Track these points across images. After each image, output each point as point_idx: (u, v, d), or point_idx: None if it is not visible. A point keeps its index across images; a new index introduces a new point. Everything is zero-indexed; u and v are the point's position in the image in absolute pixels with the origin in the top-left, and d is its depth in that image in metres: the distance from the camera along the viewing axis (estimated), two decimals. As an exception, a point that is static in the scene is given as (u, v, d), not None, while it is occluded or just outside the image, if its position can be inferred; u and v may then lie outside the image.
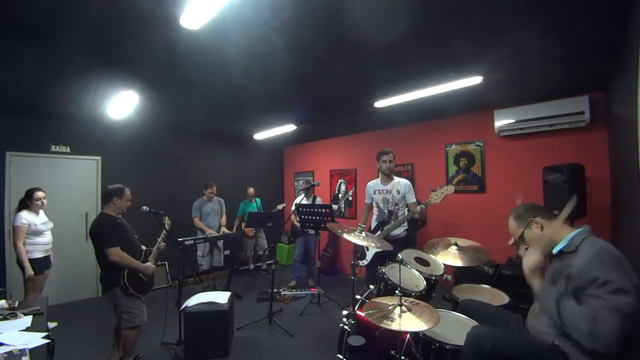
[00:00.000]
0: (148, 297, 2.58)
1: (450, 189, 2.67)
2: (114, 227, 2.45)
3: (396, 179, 3.26)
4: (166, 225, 2.89)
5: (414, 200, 3.21)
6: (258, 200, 5.70)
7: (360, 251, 3.34)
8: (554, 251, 1.51)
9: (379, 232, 3.16)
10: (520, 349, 1.43)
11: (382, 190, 3.29)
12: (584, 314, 1.24)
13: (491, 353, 1.41)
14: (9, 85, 2.95)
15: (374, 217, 3.39)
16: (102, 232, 2.40)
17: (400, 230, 3.17)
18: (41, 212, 3.33)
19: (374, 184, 3.39)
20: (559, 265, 1.47)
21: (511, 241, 1.67)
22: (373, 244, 2.22)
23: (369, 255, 3.25)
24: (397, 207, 3.21)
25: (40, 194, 3.28)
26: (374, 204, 3.38)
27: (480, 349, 1.44)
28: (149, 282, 2.56)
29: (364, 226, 3.30)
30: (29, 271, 3.04)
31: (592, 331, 1.20)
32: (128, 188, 2.64)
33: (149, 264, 2.54)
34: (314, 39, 2.15)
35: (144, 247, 2.71)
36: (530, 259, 1.54)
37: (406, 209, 3.26)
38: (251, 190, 5.59)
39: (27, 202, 3.22)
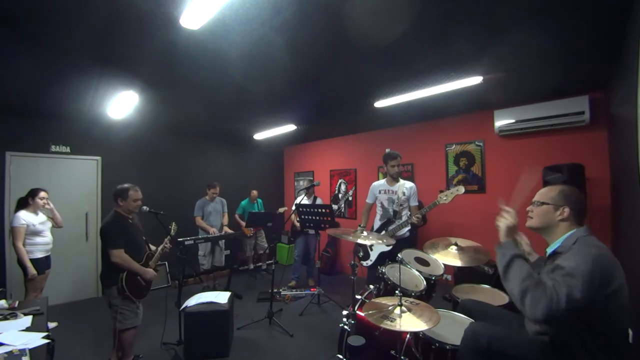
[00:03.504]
0: (148, 297, 2.57)
1: (461, 189, 2.68)
2: (122, 227, 2.45)
3: (401, 181, 3.31)
4: (172, 231, 2.87)
5: (417, 203, 3.26)
6: (259, 201, 5.70)
7: (362, 251, 3.35)
8: (548, 251, 1.50)
9: (383, 232, 3.19)
10: (517, 347, 1.42)
11: (388, 191, 3.32)
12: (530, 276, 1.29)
13: (487, 349, 1.41)
14: (9, 85, 2.95)
15: (378, 216, 3.41)
16: (108, 232, 2.40)
17: (404, 231, 3.19)
18: (39, 212, 3.33)
19: (380, 184, 3.42)
20: (551, 265, 1.47)
21: (530, 210, 1.60)
22: (375, 242, 2.22)
23: (373, 255, 3.26)
24: (401, 208, 3.23)
25: (44, 194, 3.29)
26: (378, 204, 3.40)
27: (476, 345, 1.44)
28: (147, 287, 2.55)
29: (364, 226, 3.31)
30: (32, 270, 3.04)
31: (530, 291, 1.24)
32: (136, 187, 2.60)
33: (149, 269, 2.54)
34: (314, 39, 2.15)
35: (152, 247, 2.72)
36: (507, 221, 1.52)
37: (408, 210, 3.27)
38: (254, 192, 5.61)
39: (29, 200, 3.22)
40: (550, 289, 1.21)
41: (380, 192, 3.38)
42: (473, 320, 1.88)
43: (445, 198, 2.71)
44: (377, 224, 3.38)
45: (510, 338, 1.47)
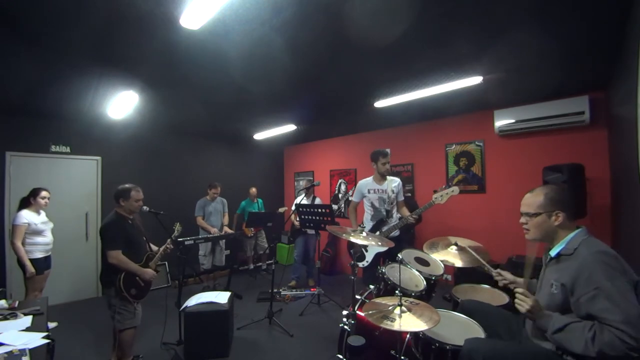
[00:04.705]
0: (148, 297, 2.57)
1: (456, 190, 2.66)
2: (121, 228, 2.45)
3: (388, 178, 3.26)
4: (176, 232, 2.87)
5: (402, 199, 3.24)
6: (260, 201, 5.68)
7: (359, 253, 3.31)
8: (552, 254, 1.50)
9: (377, 233, 3.15)
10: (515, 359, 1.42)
11: (378, 190, 3.26)
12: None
13: None
14: (9, 85, 2.95)
15: (368, 216, 3.34)
16: (107, 232, 2.40)
17: (396, 230, 3.17)
18: (42, 211, 3.33)
19: (367, 182, 3.34)
20: (556, 267, 1.47)
21: (524, 222, 1.57)
22: (374, 243, 2.22)
23: (369, 256, 3.23)
24: (392, 206, 3.21)
25: (45, 193, 3.29)
26: (367, 203, 3.34)
27: None
28: (145, 287, 2.54)
29: (364, 226, 3.29)
30: (30, 269, 3.04)
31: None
32: (138, 188, 2.59)
33: (148, 269, 2.53)
34: (314, 39, 2.15)
35: (154, 248, 2.72)
36: (526, 306, 1.42)
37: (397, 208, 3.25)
38: (253, 190, 5.55)
39: (31, 199, 3.22)
40: (611, 334, 1.16)
41: (369, 191, 3.30)
42: (473, 321, 1.88)
43: (440, 198, 2.70)
44: (368, 224, 3.30)
45: (508, 352, 1.45)
